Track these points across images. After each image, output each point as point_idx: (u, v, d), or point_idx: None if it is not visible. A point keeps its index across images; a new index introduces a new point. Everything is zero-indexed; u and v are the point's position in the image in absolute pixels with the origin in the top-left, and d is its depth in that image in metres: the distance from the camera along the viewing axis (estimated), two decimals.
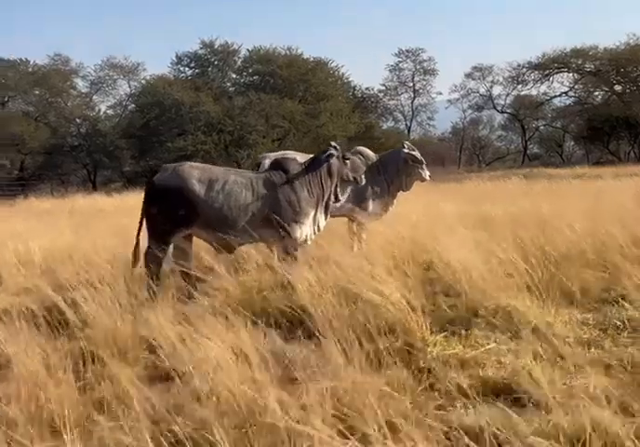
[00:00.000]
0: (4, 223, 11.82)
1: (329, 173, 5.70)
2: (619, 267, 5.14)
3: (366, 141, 37.60)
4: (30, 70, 41.11)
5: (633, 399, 3.17)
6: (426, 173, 7.18)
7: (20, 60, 41.09)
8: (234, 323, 4.44)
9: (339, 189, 5.96)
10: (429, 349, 3.89)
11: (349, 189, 6.81)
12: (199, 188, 5.38)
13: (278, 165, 5.76)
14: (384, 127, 42.82)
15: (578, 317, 4.42)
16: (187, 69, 37.45)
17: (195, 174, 5.47)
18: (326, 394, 3.00)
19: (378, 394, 3.18)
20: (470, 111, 44.77)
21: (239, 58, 37.55)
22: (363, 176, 6.10)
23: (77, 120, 41.22)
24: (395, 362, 3.87)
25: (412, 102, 43.00)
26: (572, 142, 45.77)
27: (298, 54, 37.07)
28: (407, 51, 42.28)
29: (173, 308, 4.75)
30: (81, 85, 43.71)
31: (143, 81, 39.29)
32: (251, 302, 4.89)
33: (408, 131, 43.41)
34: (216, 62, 37.11)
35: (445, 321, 4.33)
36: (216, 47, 36.88)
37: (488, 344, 4.00)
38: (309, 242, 5.71)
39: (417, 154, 7.15)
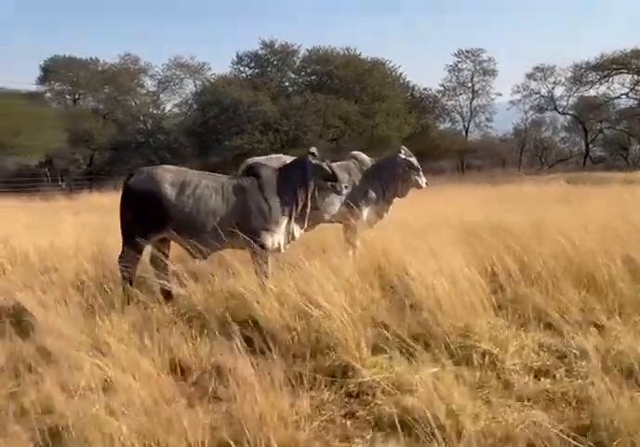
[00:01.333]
0: (40, 217, 12.04)
1: (303, 181, 5.44)
2: (606, 287, 4.74)
3: (422, 141, 37.15)
4: (100, 69, 42.28)
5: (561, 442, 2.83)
6: (423, 180, 6.86)
7: (91, 59, 42.34)
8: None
9: (317, 197, 5.72)
10: (363, 372, 3.61)
11: (343, 196, 6.56)
12: (171, 191, 5.25)
13: (250, 170, 5.55)
14: (441, 127, 42.03)
15: (541, 341, 4.05)
16: (247, 69, 37.67)
17: (168, 177, 5.33)
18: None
19: (269, 421, 2.94)
20: (531, 112, 43.42)
21: (298, 58, 37.55)
22: (345, 185, 5.70)
23: (143, 117, 42.14)
24: (326, 384, 3.64)
25: (470, 103, 41.95)
26: (639, 146, 43.74)
27: (356, 55, 36.76)
28: (467, 52, 41.26)
29: (128, 315, 4.66)
30: (149, 83, 44.65)
31: (204, 81, 39.69)
32: (210, 310, 4.73)
33: (466, 132, 42.44)
34: (275, 62, 37.19)
35: (394, 341, 4.03)
36: (276, 47, 37.01)
37: (431, 367, 3.70)
38: (282, 251, 5.47)
39: (413, 160, 6.84)
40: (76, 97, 42.46)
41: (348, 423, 3.17)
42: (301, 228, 5.54)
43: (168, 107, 44.38)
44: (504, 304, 4.67)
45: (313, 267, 4.75)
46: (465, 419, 2.99)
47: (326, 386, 3.62)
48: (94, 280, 5.79)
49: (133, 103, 43.68)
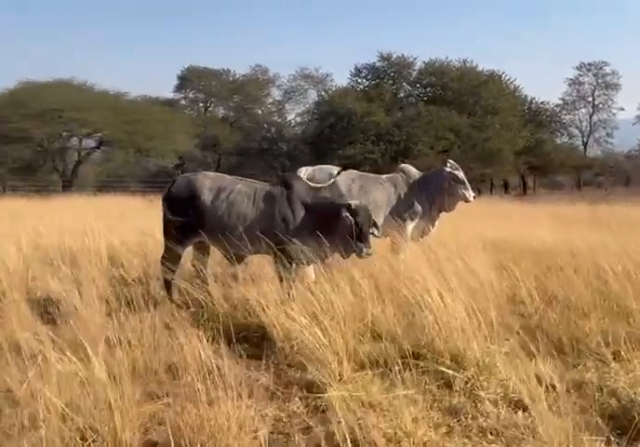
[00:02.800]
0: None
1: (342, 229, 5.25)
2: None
3: (536, 156, 35.62)
4: (230, 79, 44.08)
5: None
6: (470, 194, 6.62)
7: (223, 69, 44.23)
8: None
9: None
10: (334, 388, 3.51)
11: (388, 209, 6.46)
12: (208, 197, 5.37)
13: (283, 179, 5.55)
14: (558, 142, 40.05)
15: (532, 372, 3.75)
16: (364, 80, 37.78)
17: (207, 183, 5.47)
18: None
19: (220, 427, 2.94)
20: None
21: (414, 70, 37.21)
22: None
23: (267, 125, 43.45)
24: (302, 397, 3.59)
25: (590, 118, 39.80)
26: None
27: (472, 67, 35.90)
28: (589, 65, 39.24)
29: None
30: (276, 93, 45.91)
31: (323, 92, 40.25)
32: (223, 315, 4.80)
33: (585, 148, 40.22)
34: (391, 74, 37.07)
35: (382, 359, 3.90)
36: (393, 59, 36.89)
37: (407, 389, 3.54)
38: (313, 262, 5.41)
39: (459, 173, 6.62)
40: (208, 105, 44.50)
41: (298, 437, 3.10)
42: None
43: (292, 116, 45.51)
44: (521, 329, 4.39)
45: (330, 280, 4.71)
46: (406, 445, 2.84)
47: (301, 399, 3.57)
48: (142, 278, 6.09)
49: (259, 111, 45.16)
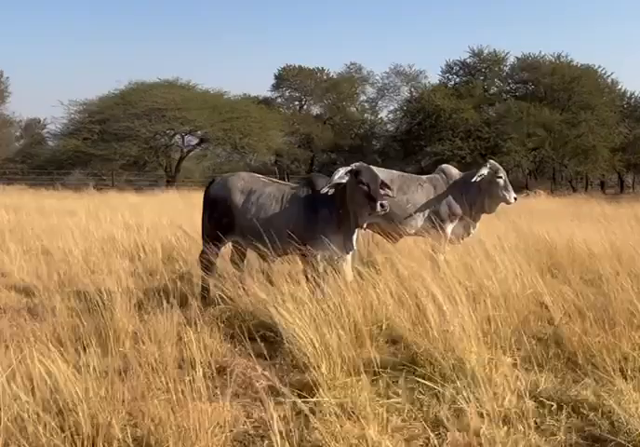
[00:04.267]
0: None
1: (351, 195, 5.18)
2: None
3: (635, 153, 33.46)
4: (324, 77, 44.29)
5: None
6: (511, 195, 6.30)
7: (317, 68, 44.45)
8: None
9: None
10: (319, 392, 3.45)
11: (427, 210, 6.28)
12: (239, 198, 5.41)
13: (308, 181, 5.44)
14: None
15: (529, 386, 3.53)
16: (455, 77, 36.90)
17: (239, 185, 5.51)
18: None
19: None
20: None
21: (505, 66, 35.94)
22: (381, 205, 4.85)
23: (359, 123, 43.34)
24: (293, 400, 3.54)
25: None
26: None
27: (566, 61, 34.15)
28: None
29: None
30: (369, 91, 45.60)
31: (412, 89, 39.62)
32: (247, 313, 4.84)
33: None
34: (482, 70, 35.97)
35: (380, 365, 3.79)
36: (484, 55, 35.78)
37: (396, 397, 3.43)
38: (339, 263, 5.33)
39: (501, 174, 6.28)
40: (302, 103, 44.96)
41: (269, 440, 3.07)
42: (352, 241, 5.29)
43: (384, 114, 44.98)
44: (538, 340, 4.17)
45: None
46: None
47: (294, 402, 3.53)
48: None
49: (353, 109, 45.10)
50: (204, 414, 3.05)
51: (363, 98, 45.43)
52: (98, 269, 6.65)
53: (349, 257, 5.31)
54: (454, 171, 6.65)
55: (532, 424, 3.11)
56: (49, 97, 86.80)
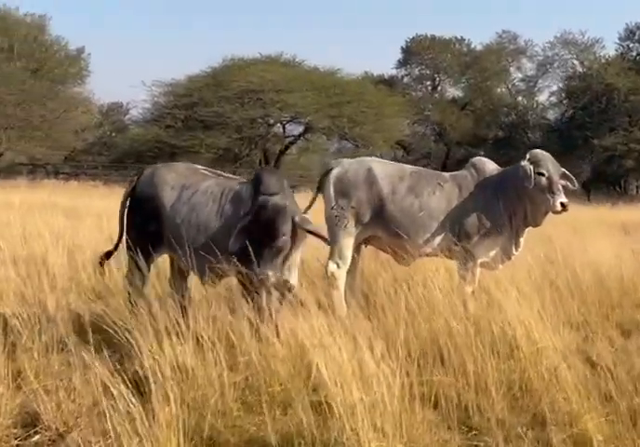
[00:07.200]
0: None
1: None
2: None
3: None
4: (464, 50, 42.60)
5: None
6: (558, 200, 5.35)
7: (456, 38, 42.45)
8: None
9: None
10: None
11: (448, 221, 5.67)
12: (169, 196, 5.05)
13: (257, 177, 4.93)
14: None
15: None
16: (638, 45, 34.22)
17: (169, 179, 5.15)
18: None
19: None
20: None
21: None
22: None
23: (507, 109, 41.32)
24: None
25: None
26: None
27: None
28: None
29: None
30: (528, 67, 43.06)
31: (582, 63, 37.21)
32: None
33: None
34: None
35: None
36: None
37: None
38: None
39: (543, 170, 5.37)
40: (435, 83, 43.42)
41: None
42: None
43: (544, 96, 42.12)
44: None
45: None
46: None
47: None
48: None
49: (501, 90, 43.03)
50: None
51: (516, 76, 43.23)
52: None
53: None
54: (490, 166, 5.86)
55: None
56: (130, 77, 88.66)
